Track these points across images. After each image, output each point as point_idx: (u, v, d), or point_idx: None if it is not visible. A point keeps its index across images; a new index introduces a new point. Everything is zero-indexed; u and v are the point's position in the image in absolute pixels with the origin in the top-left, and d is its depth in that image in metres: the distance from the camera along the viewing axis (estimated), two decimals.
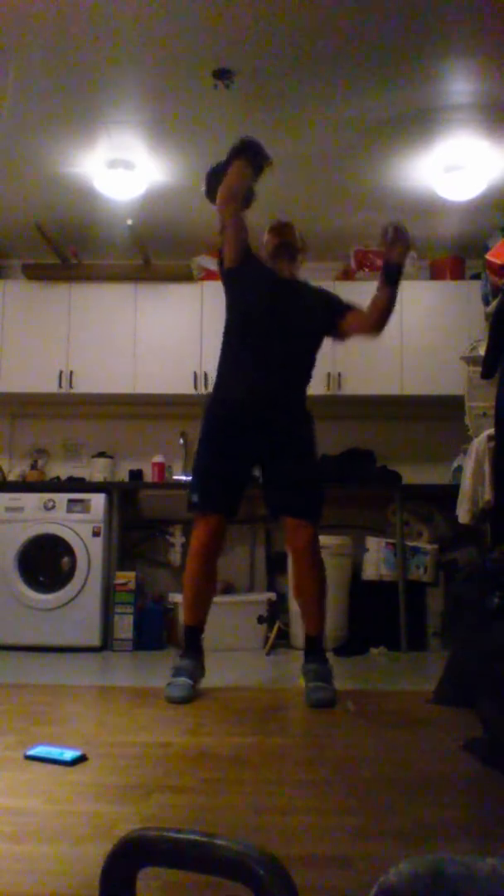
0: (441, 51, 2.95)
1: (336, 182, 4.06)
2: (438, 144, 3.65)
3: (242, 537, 4.74)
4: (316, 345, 2.98)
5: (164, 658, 3.50)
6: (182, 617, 2.96)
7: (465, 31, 2.83)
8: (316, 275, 3.96)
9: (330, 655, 3.02)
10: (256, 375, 2.83)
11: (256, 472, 2.99)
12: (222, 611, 3.99)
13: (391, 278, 2.75)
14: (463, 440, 3.83)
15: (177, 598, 3.95)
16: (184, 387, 4.60)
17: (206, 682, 2.84)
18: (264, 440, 2.86)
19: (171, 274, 4.77)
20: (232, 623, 4.04)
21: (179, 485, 4.43)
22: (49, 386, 4.63)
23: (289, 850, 1.36)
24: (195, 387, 4.57)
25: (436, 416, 4.71)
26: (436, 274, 4.88)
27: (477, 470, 3.16)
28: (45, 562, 4.15)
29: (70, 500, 4.16)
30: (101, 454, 4.84)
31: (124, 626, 4.07)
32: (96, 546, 4.09)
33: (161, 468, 4.74)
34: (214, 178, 2.89)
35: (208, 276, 4.57)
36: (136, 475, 4.77)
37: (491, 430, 3.03)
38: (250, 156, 2.82)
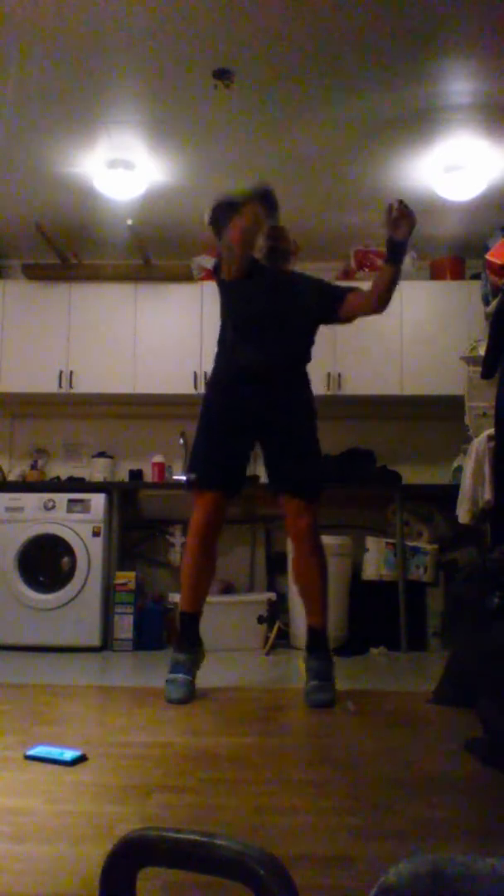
0: (441, 51, 2.95)
1: (336, 182, 4.06)
2: (438, 144, 3.65)
3: (242, 537, 4.73)
4: (312, 329, 3.01)
5: (165, 658, 3.47)
6: (180, 604, 2.94)
7: (465, 31, 2.83)
8: (316, 275, 3.95)
9: None
10: (254, 350, 2.87)
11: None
12: (222, 611, 4.01)
13: (396, 255, 2.75)
14: (463, 440, 3.83)
15: (177, 598, 3.94)
16: (184, 387, 4.60)
17: (206, 682, 2.84)
18: (263, 413, 2.88)
19: (171, 274, 4.77)
20: (232, 623, 4.04)
21: (179, 485, 4.42)
22: (49, 386, 4.63)
23: (289, 850, 1.36)
24: (195, 387, 4.57)
25: (436, 416, 4.71)
26: (436, 274, 4.88)
27: (477, 470, 3.16)
28: (45, 562, 4.15)
29: (70, 500, 4.16)
30: (101, 454, 4.84)
31: (124, 626, 4.07)
32: (96, 546, 4.09)
33: (161, 468, 4.74)
34: (220, 210, 2.84)
35: (208, 276, 4.56)
36: (136, 475, 4.77)
37: (491, 430, 3.04)
38: (267, 206, 2.76)
